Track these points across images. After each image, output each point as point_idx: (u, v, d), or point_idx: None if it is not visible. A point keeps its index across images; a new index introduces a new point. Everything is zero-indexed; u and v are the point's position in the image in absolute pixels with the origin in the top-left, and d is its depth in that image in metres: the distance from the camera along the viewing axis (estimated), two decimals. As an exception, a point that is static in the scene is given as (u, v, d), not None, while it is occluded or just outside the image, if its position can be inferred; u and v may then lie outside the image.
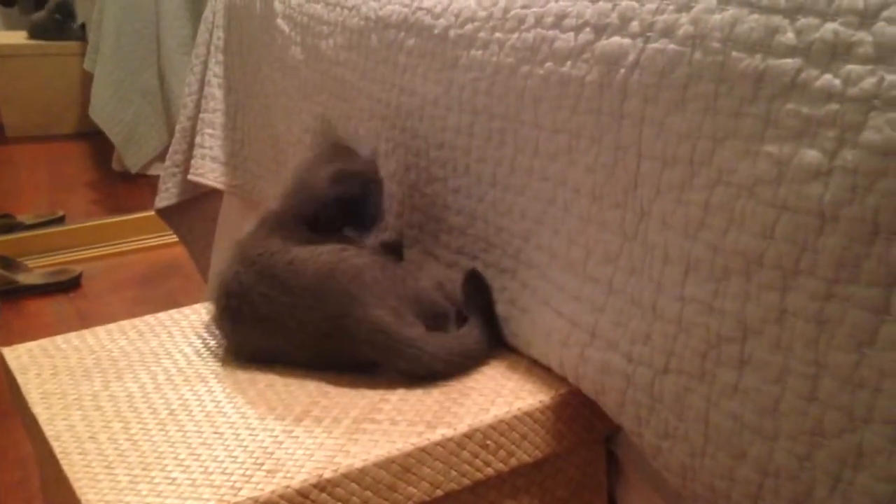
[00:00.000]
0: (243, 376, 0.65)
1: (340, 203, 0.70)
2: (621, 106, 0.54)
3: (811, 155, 0.42)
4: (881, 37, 0.39)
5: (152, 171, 2.25)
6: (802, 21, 0.43)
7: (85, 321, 1.43)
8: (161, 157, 2.25)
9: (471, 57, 0.68)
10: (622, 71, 0.54)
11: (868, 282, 0.40)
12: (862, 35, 0.40)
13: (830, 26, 0.41)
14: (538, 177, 0.62)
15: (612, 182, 0.55)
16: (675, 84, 0.50)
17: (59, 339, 0.72)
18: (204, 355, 0.68)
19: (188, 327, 0.74)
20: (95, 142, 2.39)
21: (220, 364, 0.67)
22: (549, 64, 0.60)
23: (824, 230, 0.41)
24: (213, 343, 0.71)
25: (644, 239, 0.53)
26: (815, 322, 0.42)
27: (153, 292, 1.58)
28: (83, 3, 2.62)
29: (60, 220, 1.88)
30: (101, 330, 0.73)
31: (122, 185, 2.18)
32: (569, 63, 0.58)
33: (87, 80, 2.38)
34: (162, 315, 0.76)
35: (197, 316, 0.76)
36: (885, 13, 0.39)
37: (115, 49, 2.16)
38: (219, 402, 0.61)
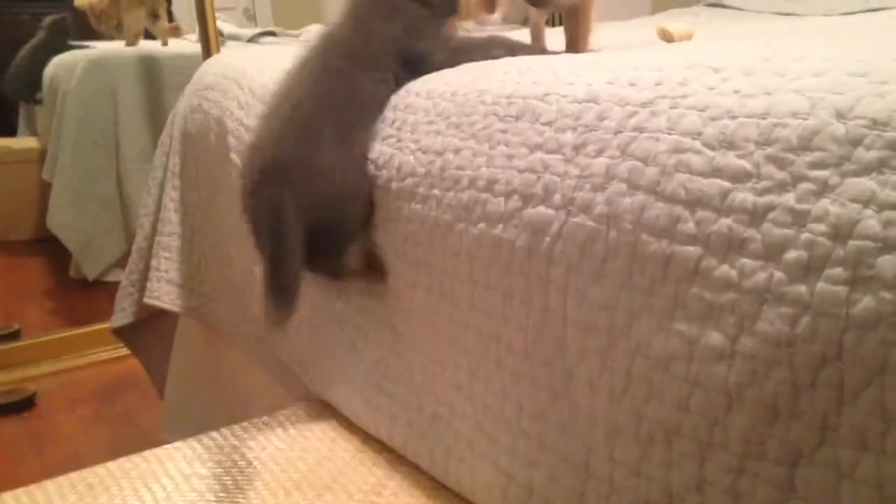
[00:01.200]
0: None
1: None
2: (548, 272, 0.57)
3: (715, 337, 0.45)
4: (769, 236, 0.43)
5: (110, 278, 2.25)
6: (700, 213, 0.47)
7: (39, 443, 1.41)
8: (119, 263, 2.26)
9: (411, 209, 0.71)
10: (547, 239, 0.57)
11: (774, 460, 0.43)
12: (752, 233, 0.44)
13: (725, 221, 0.45)
14: (473, 331, 0.65)
15: (542, 341, 0.58)
16: (594, 257, 0.53)
17: (7, 496, 0.72)
18: (153, 510, 0.69)
19: (138, 478, 0.74)
20: (51, 249, 2.39)
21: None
22: (482, 224, 0.63)
23: (732, 408, 0.45)
24: (163, 495, 0.71)
25: (573, 398, 0.56)
26: (731, 494, 0.45)
27: (109, 409, 1.56)
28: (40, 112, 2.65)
29: (16, 335, 1.86)
30: (49, 484, 0.74)
31: (79, 294, 2.17)
32: (500, 226, 0.62)
33: (43, 186, 2.40)
34: (111, 465, 0.76)
35: (147, 465, 0.76)
36: (771, 215, 0.43)
37: (74, 159, 2.19)
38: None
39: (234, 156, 1.06)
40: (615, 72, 0.60)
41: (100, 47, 2.46)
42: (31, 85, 2.57)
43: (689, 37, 0.90)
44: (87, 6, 2.39)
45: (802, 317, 0.41)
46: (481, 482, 0.64)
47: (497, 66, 0.74)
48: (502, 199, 0.62)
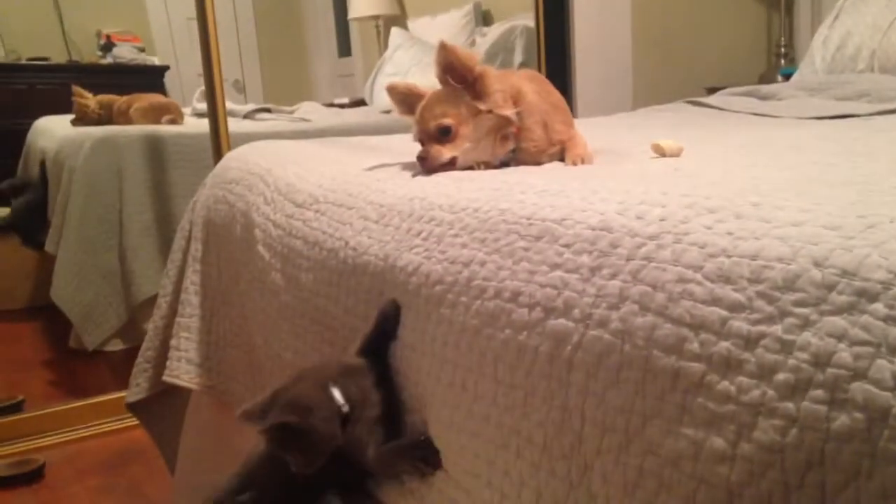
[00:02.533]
0: None
1: None
2: (568, 376, 0.66)
3: (718, 442, 0.54)
4: (761, 359, 0.52)
5: (109, 348, 2.31)
6: (703, 335, 0.56)
7: (49, 517, 1.46)
8: (118, 333, 2.32)
9: (441, 314, 0.80)
10: (568, 348, 0.66)
11: (768, 548, 0.51)
12: (747, 355, 0.53)
13: (724, 344, 0.55)
14: (494, 424, 0.74)
15: (561, 437, 0.67)
16: (610, 367, 0.63)
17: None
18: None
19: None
20: (48, 317, 2.44)
21: None
22: (508, 331, 0.72)
23: (733, 503, 0.53)
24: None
25: (588, 489, 0.64)
26: (733, 580, 0.53)
27: (117, 480, 1.61)
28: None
29: (20, 406, 1.91)
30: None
31: (79, 364, 2.22)
32: (525, 333, 0.71)
33: (41, 255, 2.46)
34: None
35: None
36: (763, 342, 0.53)
37: (79, 233, 2.27)
38: None
39: (260, 248, 1.15)
40: (623, 203, 0.70)
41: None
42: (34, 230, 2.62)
43: (679, 152, 1.01)
44: (81, 101, 2.50)
45: (791, 429, 0.50)
46: (504, 562, 0.72)
47: (514, 185, 0.84)
48: (526, 310, 0.71)
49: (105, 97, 2.58)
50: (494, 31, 3.23)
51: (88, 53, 3.83)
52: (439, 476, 0.81)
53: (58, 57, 3.87)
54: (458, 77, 1.01)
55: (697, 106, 1.87)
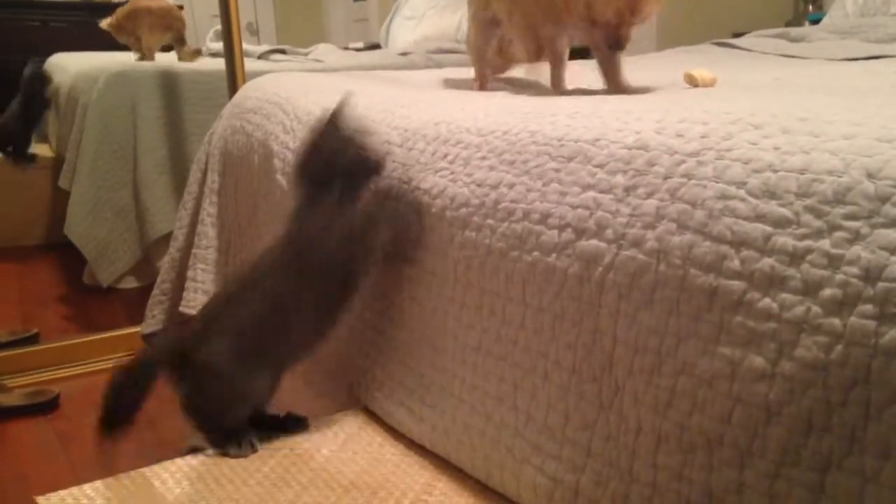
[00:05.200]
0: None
1: None
2: (599, 298, 0.64)
3: (757, 361, 0.53)
4: (807, 275, 0.51)
5: (123, 285, 2.31)
6: (745, 252, 0.54)
7: (66, 444, 1.46)
8: (132, 271, 2.32)
9: (465, 237, 0.78)
10: (600, 269, 0.65)
11: (807, 467, 0.50)
12: (792, 271, 0.51)
13: (768, 261, 0.53)
14: (521, 347, 0.72)
15: (591, 359, 0.66)
16: (644, 287, 0.61)
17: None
18: None
19: (199, 478, 0.81)
20: (63, 254, 2.44)
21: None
22: (536, 253, 0.71)
23: (771, 422, 0.52)
24: (229, 490, 0.77)
25: (619, 410, 0.63)
26: (768, 496, 0.52)
27: (131, 413, 1.61)
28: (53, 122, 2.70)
29: (35, 338, 1.91)
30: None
31: (93, 300, 2.22)
32: (553, 255, 0.69)
33: (57, 192, 2.45)
34: (180, 462, 0.83)
35: (206, 466, 0.83)
36: (809, 257, 0.51)
37: (93, 169, 2.25)
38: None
39: (279, 177, 1.13)
40: (662, 122, 0.67)
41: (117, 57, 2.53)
42: (22, 142, 2.64)
43: (712, 83, 0.98)
44: (107, 26, 2.47)
45: (836, 345, 0.48)
46: (526, 485, 0.71)
47: (544, 109, 0.81)
48: (556, 231, 0.69)
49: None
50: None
51: (103, -9, 3.78)
52: (451, 402, 0.80)
53: (72, -6, 3.82)
54: None
55: (725, 47, 1.83)
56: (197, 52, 2.62)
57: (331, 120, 0.86)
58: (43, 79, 2.54)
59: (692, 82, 0.98)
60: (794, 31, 1.84)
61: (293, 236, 0.86)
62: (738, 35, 2.18)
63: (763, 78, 1.10)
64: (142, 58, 2.53)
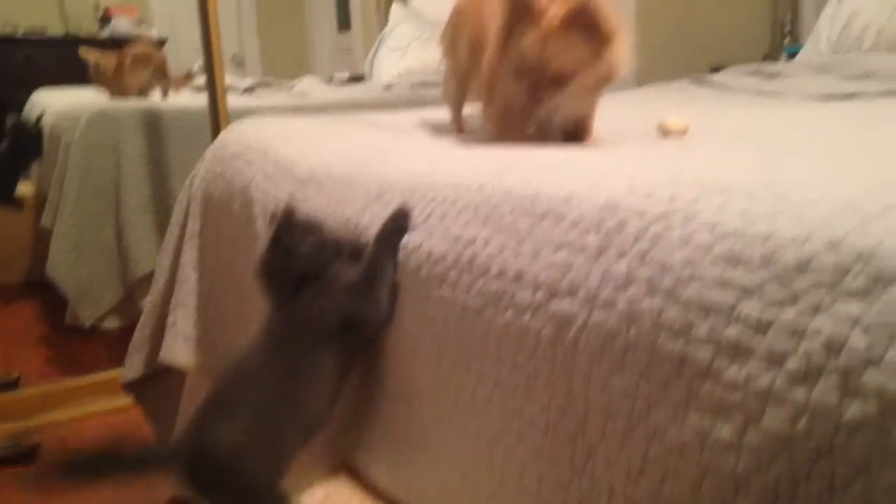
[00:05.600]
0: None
1: None
2: (573, 359, 0.65)
3: (725, 430, 0.53)
4: (772, 345, 0.51)
5: (105, 325, 2.29)
6: (712, 320, 0.55)
7: (45, 496, 1.45)
8: (115, 310, 2.30)
9: (441, 293, 0.79)
10: (573, 330, 0.65)
11: (775, 537, 0.50)
12: (758, 341, 0.52)
13: (734, 329, 0.53)
14: (496, 406, 0.72)
15: (564, 421, 0.66)
16: (616, 350, 0.61)
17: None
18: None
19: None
20: (44, 293, 2.43)
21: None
22: (510, 312, 0.71)
23: (739, 492, 0.52)
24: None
25: (592, 475, 0.63)
26: (737, 564, 0.52)
27: (112, 460, 1.60)
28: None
29: (15, 383, 1.90)
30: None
31: (75, 340, 2.21)
32: (528, 315, 0.69)
33: (37, 230, 2.44)
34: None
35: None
36: (774, 327, 0.51)
37: (75, 208, 2.24)
38: None
39: (260, 224, 1.13)
40: (632, 181, 0.68)
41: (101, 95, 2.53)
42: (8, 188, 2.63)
43: (685, 131, 0.99)
44: (92, 62, 2.48)
45: (801, 418, 0.49)
46: (504, 546, 0.71)
47: (519, 163, 0.82)
48: (530, 291, 0.69)
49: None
50: (497, 7, 3.18)
51: (86, 26, 3.79)
52: (428, 459, 0.79)
53: (55, 29, 3.83)
54: (586, 29, 0.90)
55: (702, 84, 1.85)
56: (188, 77, 2.62)
57: (281, 222, 0.86)
58: (36, 130, 2.51)
59: (665, 131, 1.00)
60: (769, 67, 1.87)
61: (276, 332, 0.85)
62: (717, 68, 2.22)
63: (736, 122, 1.11)
64: (115, 96, 2.53)
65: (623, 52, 0.92)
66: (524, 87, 0.94)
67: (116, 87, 2.49)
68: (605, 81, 0.95)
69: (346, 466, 0.92)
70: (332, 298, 0.84)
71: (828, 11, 2.12)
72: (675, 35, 2.77)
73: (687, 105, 1.49)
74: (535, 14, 0.90)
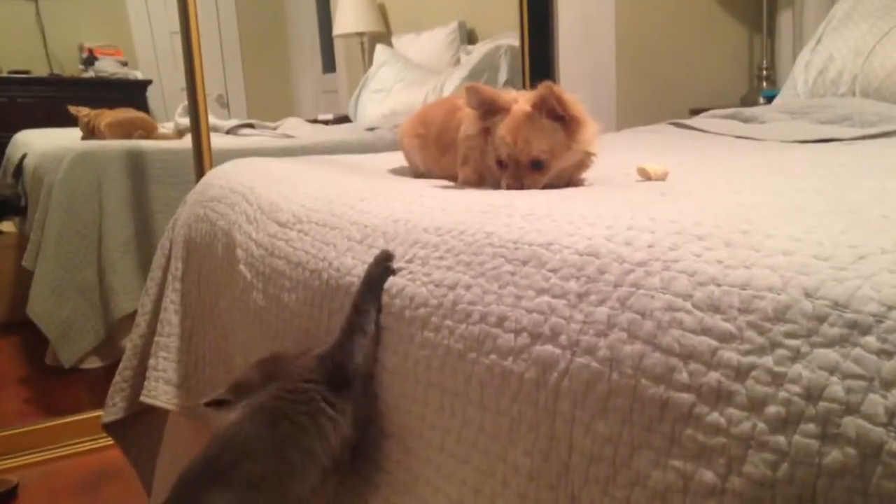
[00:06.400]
0: None
1: None
2: (555, 404, 0.65)
3: (708, 475, 0.53)
4: (752, 391, 0.52)
5: (86, 365, 2.27)
6: (693, 366, 0.55)
7: (21, 540, 1.42)
8: (95, 350, 2.28)
9: (424, 337, 0.79)
10: (555, 375, 0.65)
11: (758, 584, 0.50)
12: (738, 386, 0.52)
13: (714, 375, 0.54)
14: (481, 450, 0.72)
15: (548, 466, 0.66)
16: (598, 395, 0.61)
17: None
18: None
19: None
20: (24, 333, 2.40)
21: None
22: (493, 356, 0.71)
23: (722, 538, 0.52)
24: None
25: (578, 520, 0.63)
26: None
27: (93, 502, 1.57)
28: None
29: (-7, 426, 1.87)
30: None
31: (55, 381, 2.19)
32: (510, 359, 0.70)
33: (20, 271, 2.42)
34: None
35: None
36: (753, 373, 0.52)
37: (57, 249, 2.23)
38: None
39: (242, 267, 1.13)
40: (612, 228, 0.69)
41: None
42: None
43: (664, 177, 1.01)
44: (83, 117, 2.49)
45: (782, 463, 0.49)
46: None
47: (500, 208, 0.83)
48: (512, 335, 0.70)
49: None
50: (479, 50, 3.24)
51: (70, 67, 3.81)
52: (415, 503, 0.79)
53: (39, 70, 3.84)
54: (553, 114, 1.02)
55: (681, 128, 1.88)
56: (165, 136, 2.64)
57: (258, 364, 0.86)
58: (16, 193, 2.50)
59: (645, 176, 1.01)
60: (747, 111, 1.90)
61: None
62: (696, 111, 2.26)
63: (715, 167, 1.13)
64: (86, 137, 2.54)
65: (593, 135, 1.04)
66: (506, 172, 1.05)
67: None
68: (582, 166, 1.08)
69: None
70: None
71: (804, 56, 2.17)
72: (654, 78, 2.82)
73: (665, 148, 1.51)
74: (504, 108, 1.03)
